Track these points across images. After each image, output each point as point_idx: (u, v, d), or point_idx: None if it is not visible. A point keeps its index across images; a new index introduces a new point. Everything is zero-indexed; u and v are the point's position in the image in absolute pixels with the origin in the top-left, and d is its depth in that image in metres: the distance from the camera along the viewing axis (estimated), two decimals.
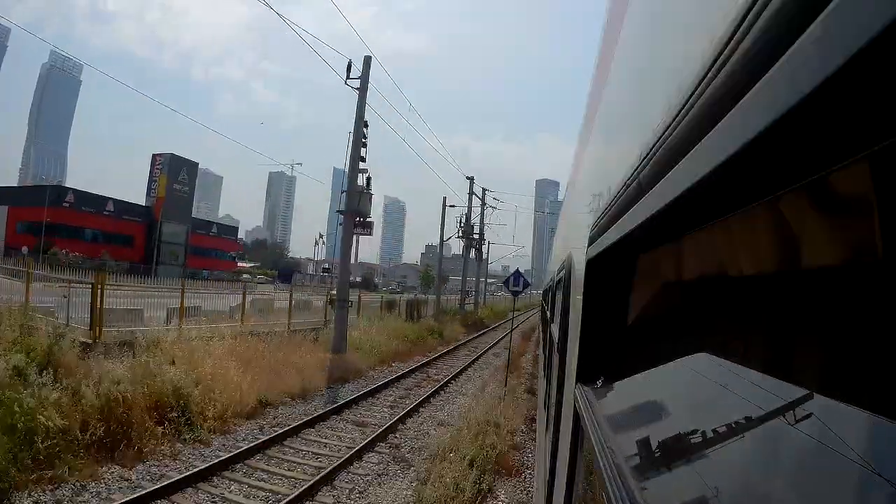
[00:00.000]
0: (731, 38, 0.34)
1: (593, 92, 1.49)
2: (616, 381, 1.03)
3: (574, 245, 1.66)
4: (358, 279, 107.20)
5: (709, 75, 0.38)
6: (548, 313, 4.72)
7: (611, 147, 1.05)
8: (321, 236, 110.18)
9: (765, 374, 0.49)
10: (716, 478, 0.51)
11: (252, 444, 8.11)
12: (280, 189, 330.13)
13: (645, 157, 0.59)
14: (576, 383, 1.16)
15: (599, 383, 1.09)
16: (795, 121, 0.29)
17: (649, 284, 1.01)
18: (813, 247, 0.44)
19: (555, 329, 2.65)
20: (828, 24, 0.24)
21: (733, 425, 0.52)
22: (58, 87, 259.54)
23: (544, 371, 4.94)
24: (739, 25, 0.32)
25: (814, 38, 0.26)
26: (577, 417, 1.12)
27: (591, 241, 1.11)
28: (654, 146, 0.55)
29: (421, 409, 11.73)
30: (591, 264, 1.12)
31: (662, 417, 0.76)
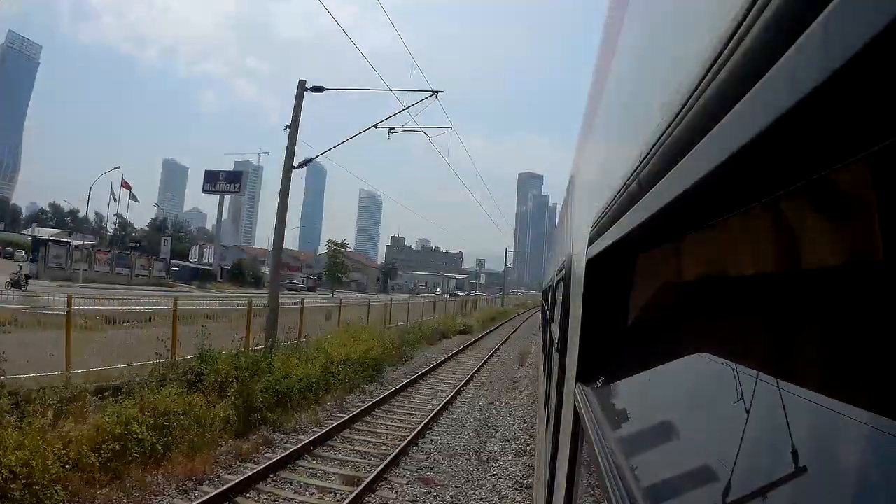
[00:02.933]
0: (731, 38, 0.34)
1: (593, 92, 1.49)
2: (616, 381, 1.03)
3: (574, 245, 1.65)
4: (223, 265, 67.86)
5: (709, 75, 0.38)
6: (548, 313, 4.71)
7: (611, 147, 1.05)
8: (131, 190, 71.86)
9: (765, 374, 0.49)
10: (716, 478, 0.51)
11: None
12: (245, 178, 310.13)
13: (645, 157, 0.59)
14: (576, 383, 1.16)
15: (599, 383, 1.09)
16: (795, 121, 0.29)
17: (649, 284, 1.01)
18: (813, 247, 0.44)
19: (555, 329, 2.65)
20: (828, 24, 0.24)
21: (733, 425, 0.52)
22: (14, 69, 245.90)
23: (544, 371, 4.93)
24: (739, 25, 0.32)
25: (814, 38, 0.25)
26: (577, 417, 1.12)
27: (591, 241, 1.11)
28: (654, 146, 0.55)
29: None
30: (591, 264, 1.12)
31: (662, 417, 0.76)
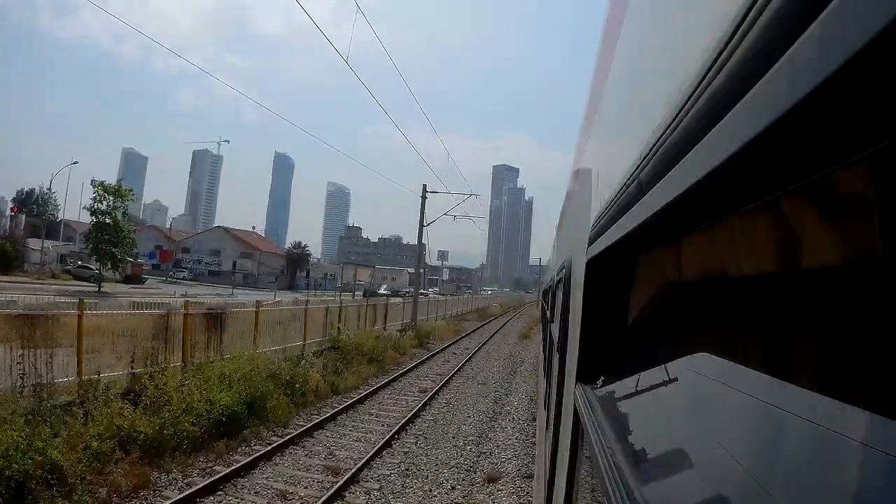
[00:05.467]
0: (731, 38, 0.34)
1: (593, 92, 1.49)
2: (616, 381, 1.03)
3: (574, 245, 1.66)
4: None
5: (709, 75, 0.38)
6: (548, 313, 4.72)
7: (611, 147, 1.05)
8: None
9: (765, 374, 0.49)
10: (716, 477, 0.51)
11: None
12: (204, 168, 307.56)
13: (645, 157, 0.59)
14: (576, 383, 1.16)
15: (599, 383, 1.09)
16: (795, 121, 0.28)
17: (649, 284, 1.01)
18: (813, 247, 0.44)
19: (555, 329, 2.65)
20: (828, 24, 0.24)
21: (733, 425, 0.53)
22: None
23: (544, 371, 4.94)
24: (739, 25, 0.32)
25: (814, 38, 0.25)
26: (577, 417, 1.12)
27: (591, 241, 1.11)
28: (654, 146, 0.55)
29: None
30: (591, 264, 1.12)
31: (662, 417, 0.76)
